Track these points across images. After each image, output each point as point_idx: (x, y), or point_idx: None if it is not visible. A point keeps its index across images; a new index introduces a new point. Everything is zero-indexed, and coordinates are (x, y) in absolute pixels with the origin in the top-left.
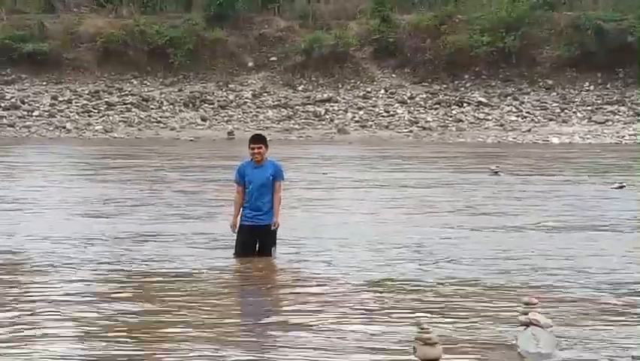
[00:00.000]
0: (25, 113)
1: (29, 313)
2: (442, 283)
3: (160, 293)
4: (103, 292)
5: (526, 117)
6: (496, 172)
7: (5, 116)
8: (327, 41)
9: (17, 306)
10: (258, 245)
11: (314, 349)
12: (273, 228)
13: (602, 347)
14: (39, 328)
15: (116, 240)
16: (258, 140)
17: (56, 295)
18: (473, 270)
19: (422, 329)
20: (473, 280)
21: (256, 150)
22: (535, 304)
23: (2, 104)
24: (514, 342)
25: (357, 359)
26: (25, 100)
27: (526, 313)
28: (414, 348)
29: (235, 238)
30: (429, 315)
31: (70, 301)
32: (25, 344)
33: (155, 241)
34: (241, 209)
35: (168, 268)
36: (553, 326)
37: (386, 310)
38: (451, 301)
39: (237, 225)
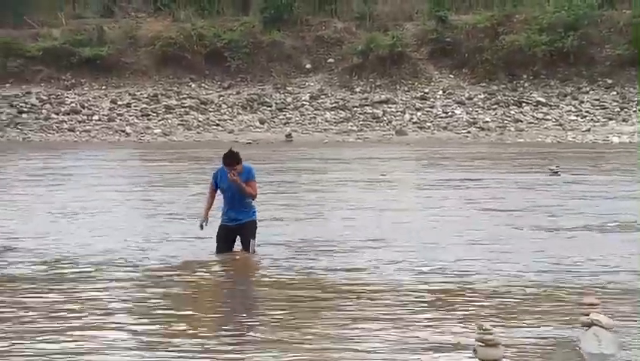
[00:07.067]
0: (85, 117)
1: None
2: (502, 284)
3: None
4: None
5: (585, 117)
6: (556, 172)
7: (65, 121)
8: (385, 42)
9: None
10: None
11: (380, 342)
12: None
13: None
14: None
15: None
16: (229, 162)
17: None
18: (534, 270)
19: (483, 330)
20: (534, 280)
21: (233, 172)
22: (597, 304)
23: (62, 109)
24: (576, 343)
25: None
26: (85, 104)
27: (587, 314)
28: (475, 350)
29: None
30: (490, 316)
31: None
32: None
33: None
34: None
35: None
36: (616, 327)
37: (447, 311)
38: (512, 302)
39: (206, 222)
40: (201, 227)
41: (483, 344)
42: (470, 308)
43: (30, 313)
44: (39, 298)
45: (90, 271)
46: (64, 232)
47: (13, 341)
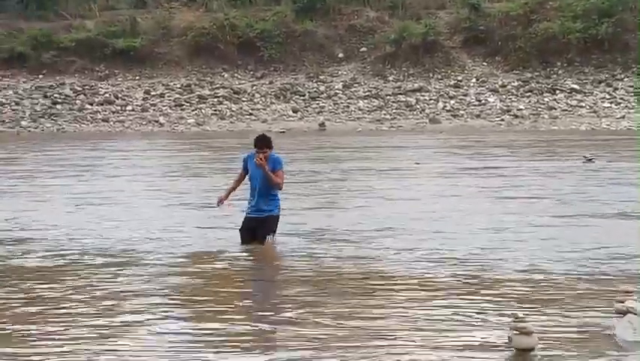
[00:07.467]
0: (119, 108)
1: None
2: (536, 272)
3: None
4: None
5: (620, 103)
6: (590, 159)
7: (99, 112)
8: (417, 31)
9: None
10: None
11: (407, 338)
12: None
13: None
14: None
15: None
16: (262, 144)
17: None
18: (567, 258)
19: (517, 318)
20: (567, 268)
21: (261, 154)
22: (632, 292)
23: (96, 100)
24: (611, 331)
25: (452, 350)
26: (119, 95)
27: (622, 302)
28: (509, 338)
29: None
30: (524, 304)
31: None
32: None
33: None
34: (247, 202)
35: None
36: None
37: (480, 300)
38: (546, 291)
39: (223, 201)
40: (217, 205)
41: (518, 333)
42: (503, 296)
43: (44, 306)
44: (53, 291)
45: (107, 263)
46: (82, 223)
47: (32, 342)
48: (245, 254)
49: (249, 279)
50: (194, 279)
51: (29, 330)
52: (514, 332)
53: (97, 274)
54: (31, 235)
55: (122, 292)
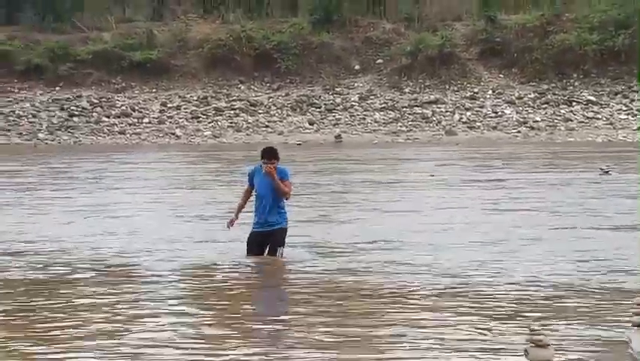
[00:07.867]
0: (136, 120)
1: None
2: (551, 285)
3: None
4: None
5: (636, 115)
6: (607, 171)
7: (116, 124)
8: (434, 43)
9: None
10: (267, 247)
11: (425, 348)
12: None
13: None
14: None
15: None
16: (270, 155)
17: None
18: (583, 270)
19: (533, 331)
20: (583, 280)
21: (269, 165)
22: None
23: (113, 112)
24: (627, 343)
25: None
26: (136, 107)
27: (639, 314)
28: (525, 351)
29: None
30: (540, 317)
31: None
32: None
33: None
34: (253, 216)
35: None
36: None
37: (495, 313)
38: (561, 303)
39: (234, 223)
40: (228, 226)
41: (534, 345)
42: (519, 309)
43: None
44: (52, 308)
45: (105, 280)
46: (81, 236)
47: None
48: (244, 268)
49: (246, 293)
50: (196, 293)
51: (34, 350)
52: (531, 344)
53: (96, 290)
54: (30, 247)
55: (126, 309)
